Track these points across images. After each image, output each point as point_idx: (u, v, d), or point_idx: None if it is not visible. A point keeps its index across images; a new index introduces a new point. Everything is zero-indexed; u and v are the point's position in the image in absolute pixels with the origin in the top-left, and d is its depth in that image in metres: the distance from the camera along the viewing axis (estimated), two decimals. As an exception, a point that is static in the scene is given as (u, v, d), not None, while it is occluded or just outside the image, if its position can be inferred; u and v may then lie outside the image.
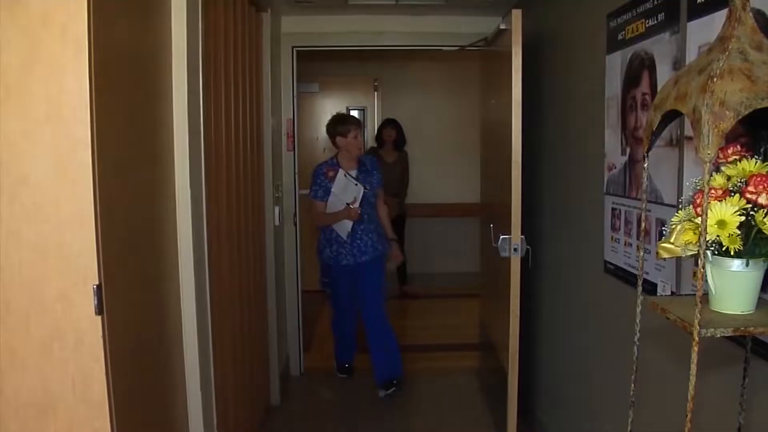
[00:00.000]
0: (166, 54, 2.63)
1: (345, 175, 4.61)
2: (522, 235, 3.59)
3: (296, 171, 5.18)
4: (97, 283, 1.97)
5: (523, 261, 3.63)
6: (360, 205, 4.62)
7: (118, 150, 2.16)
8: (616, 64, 2.79)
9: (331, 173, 4.62)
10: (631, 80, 2.64)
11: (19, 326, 1.98)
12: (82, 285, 1.97)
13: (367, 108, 8.18)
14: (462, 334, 6.04)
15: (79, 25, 1.86)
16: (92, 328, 1.99)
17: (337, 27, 5.09)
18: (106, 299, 2.01)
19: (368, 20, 5.06)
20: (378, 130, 7.46)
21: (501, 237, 3.66)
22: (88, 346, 1.99)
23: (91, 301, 1.97)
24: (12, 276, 1.97)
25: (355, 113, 8.02)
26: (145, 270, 2.45)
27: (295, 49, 5.11)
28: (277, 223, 4.68)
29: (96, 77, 1.92)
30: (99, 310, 1.98)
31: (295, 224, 5.24)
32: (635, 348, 1.62)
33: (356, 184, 4.64)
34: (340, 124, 4.71)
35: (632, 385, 1.65)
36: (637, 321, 1.59)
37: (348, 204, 4.60)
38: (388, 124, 7.31)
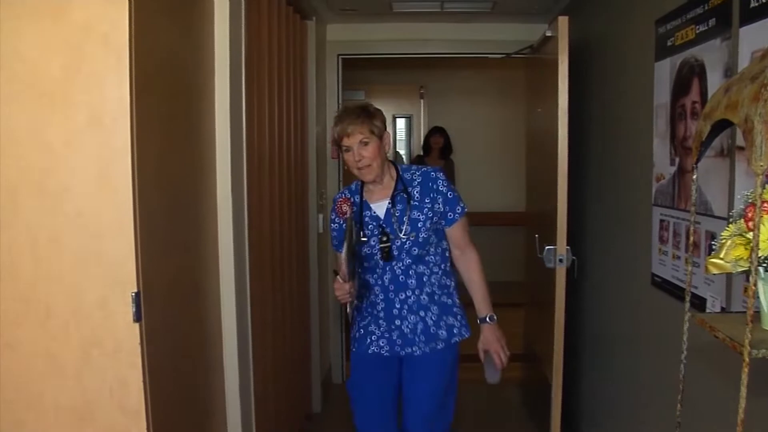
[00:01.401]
0: (208, 62, 2.64)
1: (352, 215, 2.77)
2: (568, 245, 3.52)
3: (340, 179, 5.16)
4: (136, 290, 1.98)
5: (569, 272, 3.57)
6: (386, 264, 2.79)
7: (158, 158, 2.16)
8: (665, 71, 2.71)
9: (345, 207, 2.80)
10: (680, 88, 2.57)
11: (60, 332, 1.99)
12: (121, 292, 1.98)
13: (413, 116, 8.15)
14: (509, 345, 5.92)
15: (120, 34, 1.87)
16: (130, 335, 1.99)
17: (382, 34, 5.08)
18: (145, 307, 2.01)
19: (413, 28, 5.03)
20: (425, 138, 7.41)
21: (546, 247, 3.60)
22: (126, 353, 2.00)
23: (129, 309, 1.98)
24: (53, 283, 1.99)
25: (401, 121, 7.99)
26: (185, 278, 2.45)
27: (340, 56, 5.11)
28: (320, 230, 4.67)
29: (137, 85, 1.93)
30: (137, 318, 1.98)
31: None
32: (681, 366, 1.56)
33: (363, 233, 2.81)
34: (334, 126, 2.77)
35: (678, 405, 1.58)
36: (684, 338, 1.53)
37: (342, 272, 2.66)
38: (436, 131, 7.25)
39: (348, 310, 2.77)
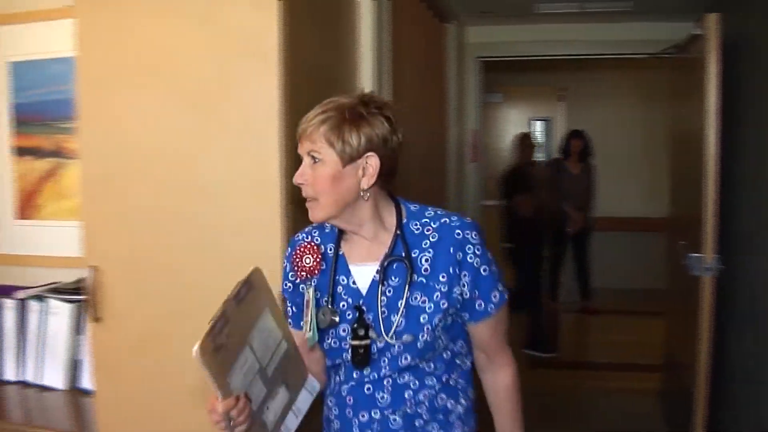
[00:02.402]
0: (354, 69, 2.70)
1: (314, 278, 1.74)
2: (716, 252, 3.38)
3: (480, 181, 5.15)
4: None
5: (716, 281, 3.42)
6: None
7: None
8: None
9: (308, 260, 1.73)
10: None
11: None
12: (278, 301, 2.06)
13: (551, 119, 8.02)
14: (643, 354, 5.75)
15: (270, 41, 1.95)
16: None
17: (521, 36, 5.05)
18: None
19: (554, 29, 4.98)
20: (565, 141, 7.17)
21: (691, 255, 3.46)
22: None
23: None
24: (213, 289, 2.09)
25: (538, 124, 7.87)
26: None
27: (479, 59, 5.11)
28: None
29: (286, 91, 2.00)
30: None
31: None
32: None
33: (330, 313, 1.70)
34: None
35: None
36: None
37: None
38: (576, 135, 7.02)
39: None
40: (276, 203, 2.02)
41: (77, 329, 2.68)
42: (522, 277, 5.94)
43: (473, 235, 1.70)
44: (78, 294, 2.69)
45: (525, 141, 6.09)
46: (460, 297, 1.70)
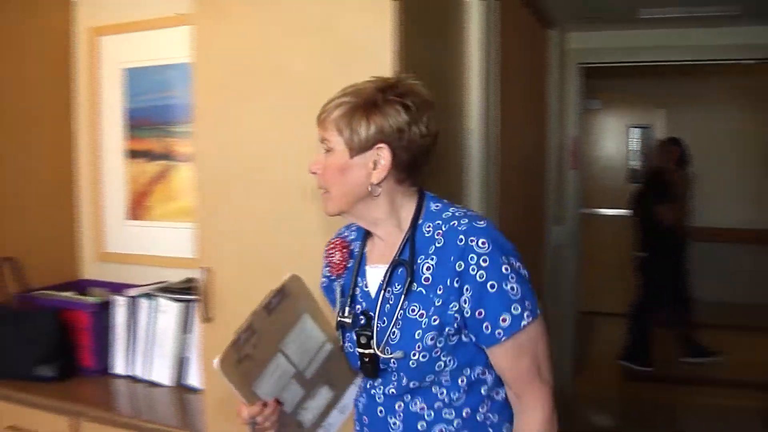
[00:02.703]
0: (462, 67, 2.69)
1: (342, 276, 1.68)
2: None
3: (579, 189, 5.04)
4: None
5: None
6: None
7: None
8: None
9: (338, 256, 1.67)
10: None
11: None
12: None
13: (651, 126, 7.79)
14: (750, 372, 5.52)
15: (384, 48, 1.94)
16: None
17: (623, 42, 4.92)
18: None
19: (657, 35, 4.82)
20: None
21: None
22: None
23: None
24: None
25: (637, 131, 7.66)
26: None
27: (580, 65, 5.01)
28: (558, 242, 4.60)
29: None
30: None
31: (576, 244, 5.09)
32: None
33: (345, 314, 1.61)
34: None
35: None
36: None
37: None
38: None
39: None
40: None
41: (184, 328, 2.75)
42: (650, 288, 5.77)
43: (479, 243, 1.44)
44: (186, 294, 2.76)
45: (667, 146, 5.91)
46: (458, 315, 1.47)
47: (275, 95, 2.11)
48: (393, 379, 1.55)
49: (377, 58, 1.94)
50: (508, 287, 1.44)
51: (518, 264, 1.49)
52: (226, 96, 2.17)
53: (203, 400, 2.34)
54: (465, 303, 1.45)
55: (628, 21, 4.65)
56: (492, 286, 1.43)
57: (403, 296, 1.50)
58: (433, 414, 1.53)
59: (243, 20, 2.14)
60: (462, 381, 1.53)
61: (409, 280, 1.50)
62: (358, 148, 1.49)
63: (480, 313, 1.44)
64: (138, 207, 3.20)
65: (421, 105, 1.51)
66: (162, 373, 2.78)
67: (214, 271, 2.23)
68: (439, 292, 1.47)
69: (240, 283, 2.19)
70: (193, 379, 2.72)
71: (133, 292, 2.87)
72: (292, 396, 1.59)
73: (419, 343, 1.47)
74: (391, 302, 1.53)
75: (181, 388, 2.75)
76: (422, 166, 1.56)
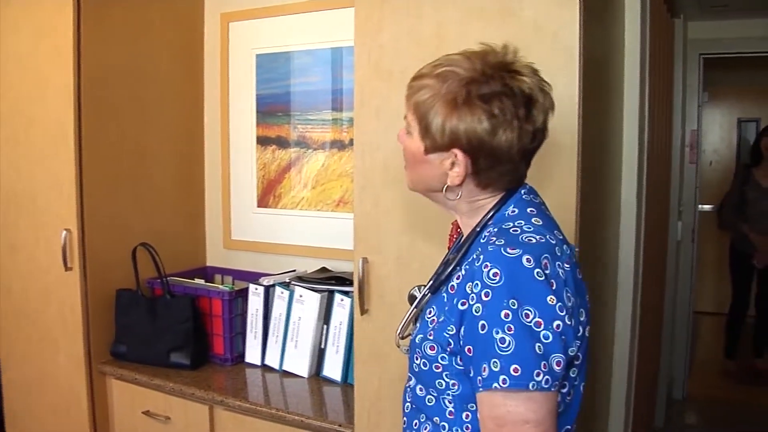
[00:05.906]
0: (621, 55, 2.64)
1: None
2: None
3: (698, 184, 4.85)
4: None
5: None
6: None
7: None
8: None
9: (451, 232, 1.65)
10: None
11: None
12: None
13: (761, 119, 7.45)
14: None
15: (571, 34, 1.86)
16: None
17: (745, 32, 4.71)
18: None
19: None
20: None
21: None
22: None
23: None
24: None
25: (748, 126, 7.34)
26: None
27: (701, 56, 4.81)
28: (678, 238, 4.44)
29: (584, 84, 1.90)
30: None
31: (693, 240, 4.91)
32: None
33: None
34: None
35: None
36: None
37: None
38: None
39: None
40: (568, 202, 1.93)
41: (323, 318, 2.71)
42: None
43: (491, 273, 1.19)
44: (324, 284, 2.72)
45: None
46: (452, 341, 1.27)
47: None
48: (412, 359, 1.42)
49: (563, 44, 1.86)
50: (498, 336, 1.16)
51: (534, 317, 1.16)
52: (391, 83, 2.09)
53: (349, 393, 2.29)
54: (462, 331, 1.25)
55: (756, 9, 4.44)
56: (482, 327, 1.18)
57: (429, 294, 1.41)
58: (425, 417, 1.39)
59: (412, 3, 2.06)
60: (467, 417, 1.31)
61: (439, 280, 1.38)
62: (432, 147, 1.32)
63: (469, 350, 1.23)
64: (268, 194, 3.18)
65: (517, 104, 1.27)
66: (299, 363, 2.75)
67: (371, 262, 2.18)
68: (445, 307, 1.32)
69: (395, 275, 2.14)
70: (331, 370, 2.68)
71: (267, 280, 2.85)
72: None
73: (418, 349, 1.36)
74: (427, 297, 1.43)
75: (318, 379, 2.72)
76: (518, 171, 1.36)
